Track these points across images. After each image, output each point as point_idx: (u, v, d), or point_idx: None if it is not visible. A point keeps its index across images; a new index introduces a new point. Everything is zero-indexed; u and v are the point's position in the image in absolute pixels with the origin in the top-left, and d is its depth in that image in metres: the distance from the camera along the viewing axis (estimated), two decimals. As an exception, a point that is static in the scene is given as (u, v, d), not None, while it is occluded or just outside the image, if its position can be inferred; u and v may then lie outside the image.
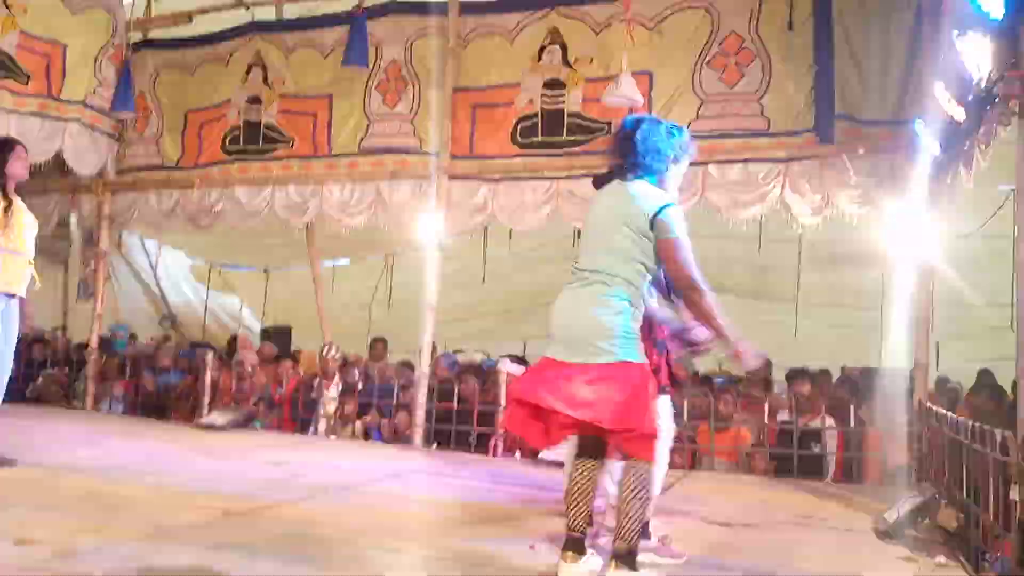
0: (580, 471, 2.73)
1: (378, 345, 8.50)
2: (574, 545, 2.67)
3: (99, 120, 7.73)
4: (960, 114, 3.63)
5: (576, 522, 2.69)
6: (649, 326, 2.85)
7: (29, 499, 3.44)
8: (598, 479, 2.80)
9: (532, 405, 2.70)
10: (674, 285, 2.80)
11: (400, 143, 6.95)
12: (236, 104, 7.54)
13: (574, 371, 2.63)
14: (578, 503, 2.70)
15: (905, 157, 5.20)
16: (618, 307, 2.66)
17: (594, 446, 2.74)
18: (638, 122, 2.82)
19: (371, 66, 6.92)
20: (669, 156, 2.84)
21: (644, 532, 2.97)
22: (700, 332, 2.83)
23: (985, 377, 7.26)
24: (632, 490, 2.62)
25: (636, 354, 2.67)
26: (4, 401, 4.19)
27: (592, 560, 2.71)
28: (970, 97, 3.50)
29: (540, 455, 5.51)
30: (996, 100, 3.27)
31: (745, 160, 5.88)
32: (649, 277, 2.75)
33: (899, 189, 5.53)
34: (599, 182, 2.93)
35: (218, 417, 6.62)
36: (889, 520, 3.72)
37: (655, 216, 2.64)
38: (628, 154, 2.76)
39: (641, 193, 2.71)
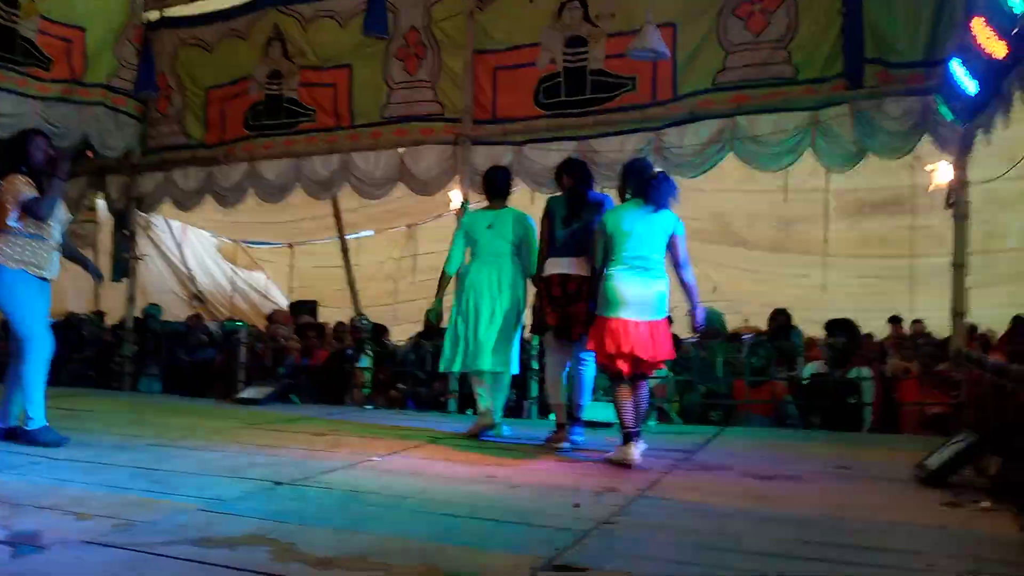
0: (626, 390, 4.13)
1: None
2: (633, 436, 4.08)
3: (123, 102, 7.78)
4: (1002, 50, 3.52)
5: (631, 421, 4.10)
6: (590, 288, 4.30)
7: (85, 476, 3.53)
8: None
9: (619, 352, 4.05)
10: (679, 261, 4.22)
11: (422, 110, 6.92)
12: (257, 79, 7.54)
13: (644, 327, 4.09)
14: (629, 410, 4.11)
15: (939, 98, 5.08)
16: (666, 285, 4.18)
17: (635, 375, 4.17)
18: (666, 179, 4.21)
19: (390, 33, 6.87)
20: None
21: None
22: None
23: (1018, 323, 7.14)
24: (646, 398, 4.28)
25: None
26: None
27: (641, 444, 4.11)
28: (1015, 31, 3.38)
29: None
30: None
31: (774, 110, 5.78)
32: None
33: (933, 132, 5.42)
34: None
35: (256, 392, 6.71)
36: (930, 467, 3.70)
37: (677, 225, 4.21)
38: (660, 199, 4.15)
39: (669, 217, 4.20)
